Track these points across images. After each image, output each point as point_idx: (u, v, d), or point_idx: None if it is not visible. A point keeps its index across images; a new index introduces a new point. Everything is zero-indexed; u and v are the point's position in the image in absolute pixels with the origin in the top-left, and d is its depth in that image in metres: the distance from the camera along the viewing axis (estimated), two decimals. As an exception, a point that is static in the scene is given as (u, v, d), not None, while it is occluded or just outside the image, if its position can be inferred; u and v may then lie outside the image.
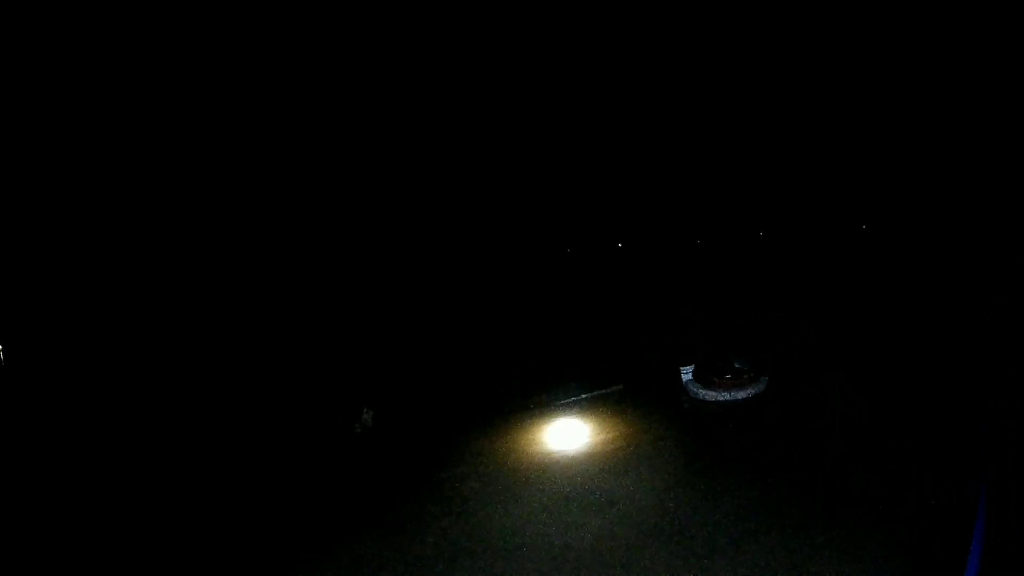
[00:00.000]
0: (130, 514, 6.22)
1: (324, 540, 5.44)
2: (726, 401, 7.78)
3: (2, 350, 9.06)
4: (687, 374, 8.47)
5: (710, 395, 7.92)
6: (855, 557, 4.39)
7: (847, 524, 4.81)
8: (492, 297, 14.71)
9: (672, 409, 7.85)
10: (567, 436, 7.26)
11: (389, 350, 11.36)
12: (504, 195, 14.61)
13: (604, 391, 8.79)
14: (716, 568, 4.45)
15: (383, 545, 5.24)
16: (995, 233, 13.40)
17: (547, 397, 8.71)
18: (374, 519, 5.70)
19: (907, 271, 13.35)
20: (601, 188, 16.06)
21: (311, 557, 5.19)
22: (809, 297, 12.78)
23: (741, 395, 7.79)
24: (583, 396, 8.68)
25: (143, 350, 10.21)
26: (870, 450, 6.03)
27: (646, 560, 4.64)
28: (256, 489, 6.59)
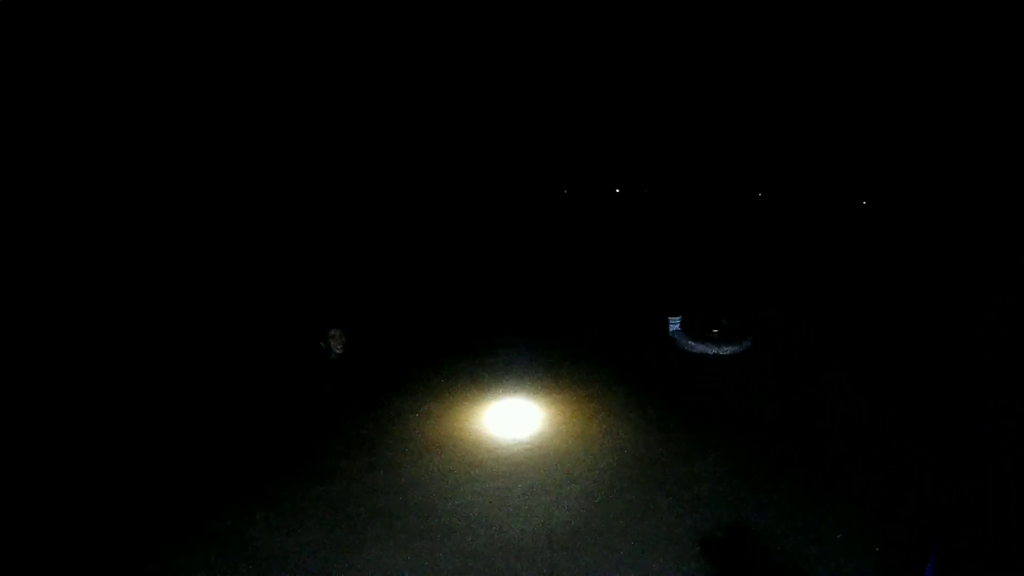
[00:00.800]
0: (86, 434, 5.29)
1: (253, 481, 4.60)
2: (714, 355, 7.49)
3: None
4: (675, 324, 8.06)
5: (698, 347, 7.57)
6: (854, 505, 4.24)
7: (846, 476, 4.65)
8: (482, 231, 13.69)
9: (658, 358, 7.56)
10: (543, 380, 6.64)
11: (372, 277, 10.32)
12: (504, 133, 13.19)
13: (585, 335, 8.39)
14: (716, 517, 4.08)
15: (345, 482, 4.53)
16: (996, 231, 13.04)
17: (536, 338, 8.15)
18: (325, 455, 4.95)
19: (906, 255, 12.93)
20: (603, 133, 14.76)
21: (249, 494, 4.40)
22: (802, 266, 12.31)
23: (728, 350, 7.54)
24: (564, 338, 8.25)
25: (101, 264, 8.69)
26: (854, 414, 5.85)
27: (637, 507, 4.18)
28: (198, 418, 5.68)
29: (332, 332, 6.44)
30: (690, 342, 7.64)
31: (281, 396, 5.98)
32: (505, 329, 8.42)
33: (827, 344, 8.16)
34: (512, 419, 5.53)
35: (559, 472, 4.60)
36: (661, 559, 3.67)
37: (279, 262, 10.21)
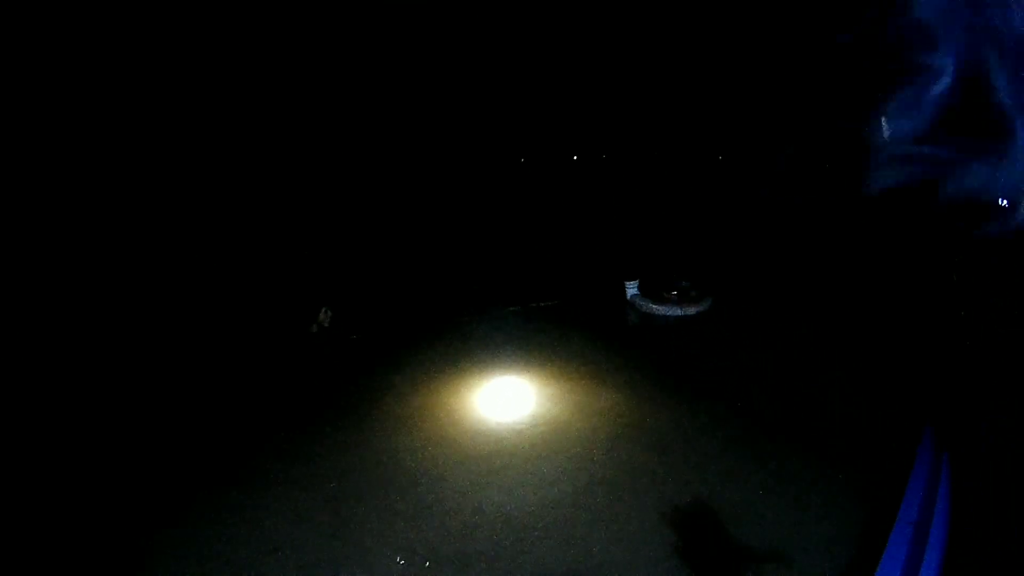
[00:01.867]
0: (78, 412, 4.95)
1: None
2: (676, 317, 6.94)
3: None
4: (632, 288, 7.51)
5: (660, 310, 6.95)
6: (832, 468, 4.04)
7: (820, 430, 4.49)
8: (436, 202, 12.96)
9: (619, 323, 7.11)
10: (522, 352, 6.21)
11: (336, 253, 9.76)
12: (463, 100, 12.30)
13: (543, 304, 7.78)
14: (703, 477, 3.92)
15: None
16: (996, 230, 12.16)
17: (500, 307, 7.63)
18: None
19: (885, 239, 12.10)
20: (561, 100, 13.80)
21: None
22: (762, 228, 11.56)
23: (689, 311, 7.06)
24: (529, 306, 7.66)
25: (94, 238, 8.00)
26: (821, 369, 5.58)
27: (627, 472, 4.00)
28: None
29: (321, 309, 6.43)
30: (651, 305, 7.03)
31: (266, 373, 5.80)
32: (476, 300, 7.96)
33: (793, 301, 7.70)
34: (497, 391, 5.31)
35: (548, 442, 4.34)
36: (653, 518, 3.57)
37: (262, 240, 9.63)
